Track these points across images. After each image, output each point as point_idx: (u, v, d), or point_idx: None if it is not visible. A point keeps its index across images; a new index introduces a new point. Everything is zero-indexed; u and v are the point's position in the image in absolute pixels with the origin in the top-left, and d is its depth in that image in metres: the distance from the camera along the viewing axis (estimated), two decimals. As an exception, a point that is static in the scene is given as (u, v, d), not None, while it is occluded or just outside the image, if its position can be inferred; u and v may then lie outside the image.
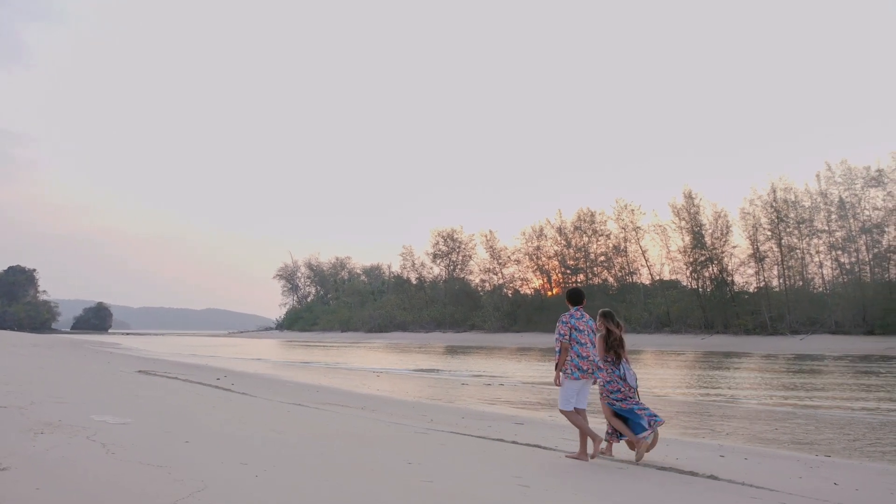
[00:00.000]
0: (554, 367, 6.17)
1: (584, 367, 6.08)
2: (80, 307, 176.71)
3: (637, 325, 63.11)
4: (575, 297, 6.40)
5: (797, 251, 61.52)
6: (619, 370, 6.61)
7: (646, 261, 74.75)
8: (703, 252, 66.26)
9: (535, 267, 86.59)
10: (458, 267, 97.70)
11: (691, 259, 67.52)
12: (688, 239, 68.16)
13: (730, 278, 65.58)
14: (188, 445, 4.39)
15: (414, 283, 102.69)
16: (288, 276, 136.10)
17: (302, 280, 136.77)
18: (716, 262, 65.97)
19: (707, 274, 66.81)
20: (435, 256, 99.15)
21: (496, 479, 4.49)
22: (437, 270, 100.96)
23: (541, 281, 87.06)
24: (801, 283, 61.40)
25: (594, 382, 6.34)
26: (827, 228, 60.18)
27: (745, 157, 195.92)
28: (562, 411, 6.15)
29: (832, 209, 59.58)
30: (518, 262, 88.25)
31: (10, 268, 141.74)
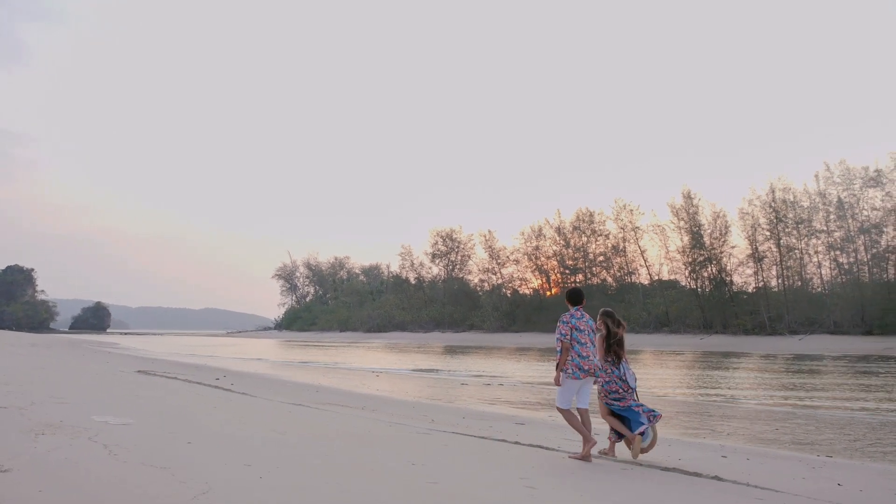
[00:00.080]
0: (555, 367, 6.16)
1: (586, 367, 6.09)
2: (79, 307, 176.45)
3: (636, 325, 63.15)
4: (575, 297, 6.40)
5: (796, 251, 61.62)
6: (619, 370, 6.61)
7: (644, 261, 74.90)
8: (702, 252, 66.34)
9: (534, 267, 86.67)
10: (457, 267, 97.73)
11: (690, 259, 67.60)
12: (686, 239, 68.26)
13: (728, 278, 65.68)
14: (190, 446, 4.37)
15: (413, 282, 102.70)
16: (287, 276, 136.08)
17: (301, 280, 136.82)
18: (714, 262, 66.06)
19: (706, 274, 66.90)
20: (434, 256, 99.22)
21: (501, 480, 4.48)
22: (435, 270, 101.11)
23: (539, 281, 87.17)
24: (799, 283, 61.49)
25: (595, 382, 6.36)
26: (825, 228, 60.29)
27: (745, 157, 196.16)
28: (558, 408, 6.19)
29: (831, 209, 59.69)
30: (517, 262, 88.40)
31: (8, 267, 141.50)
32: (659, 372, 25.04)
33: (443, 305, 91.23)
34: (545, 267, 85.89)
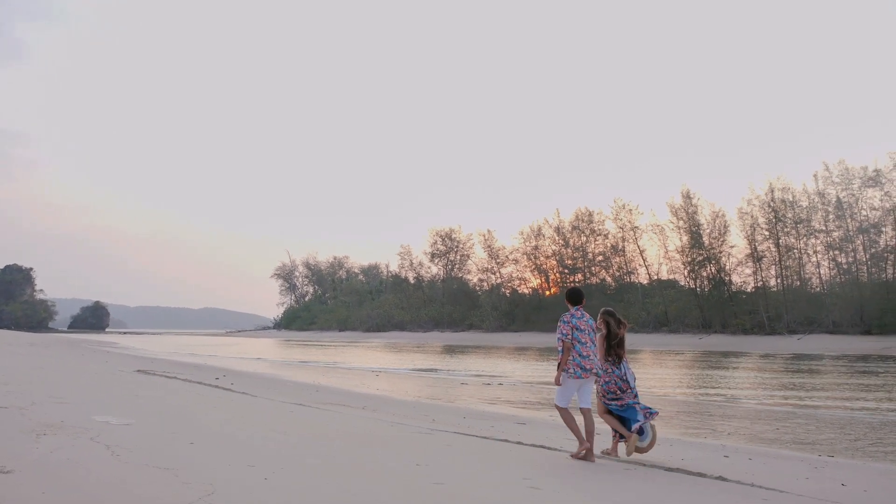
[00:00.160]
0: (557, 367, 6.16)
1: (587, 367, 6.09)
2: (77, 306, 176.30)
3: (635, 324, 63.13)
4: (575, 296, 6.40)
5: (795, 251, 61.68)
6: (620, 369, 6.62)
7: (644, 260, 74.94)
8: (701, 252, 66.39)
9: (533, 266, 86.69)
10: (456, 266, 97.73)
11: (689, 259, 67.64)
12: (686, 239, 68.31)
13: (727, 278, 65.74)
14: (193, 447, 4.35)
15: (412, 282, 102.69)
16: (286, 276, 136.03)
17: (300, 279, 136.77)
18: (713, 261, 66.11)
19: (705, 274, 66.95)
20: (433, 256, 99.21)
21: (506, 480, 4.46)
22: (435, 270, 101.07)
23: (539, 280, 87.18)
24: (798, 282, 61.55)
25: (595, 382, 6.36)
26: (824, 228, 60.36)
27: (745, 157, 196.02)
28: (556, 406, 6.21)
29: (830, 209, 59.75)
30: (516, 261, 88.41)
31: (6, 266, 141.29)
32: (658, 371, 25.04)
33: (442, 305, 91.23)
34: (544, 266, 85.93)
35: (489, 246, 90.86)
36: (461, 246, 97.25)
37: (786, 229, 61.56)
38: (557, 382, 6.12)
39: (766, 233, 62.49)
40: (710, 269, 66.50)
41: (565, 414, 6.13)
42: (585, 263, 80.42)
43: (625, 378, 6.64)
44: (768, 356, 37.36)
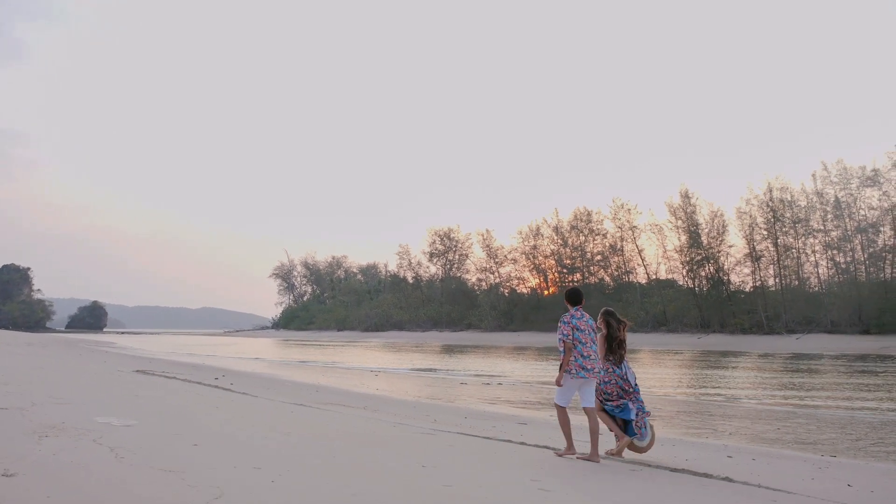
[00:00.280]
0: (559, 368, 6.15)
1: (588, 367, 6.10)
2: (76, 306, 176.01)
3: (633, 324, 63.18)
4: (574, 297, 6.40)
5: (793, 251, 61.77)
6: (621, 369, 6.63)
7: (642, 260, 75.00)
8: (700, 251, 66.45)
9: (532, 266, 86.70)
10: (455, 266, 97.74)
11: (688, 258, 67.70)
12: (684, 238, 68.37)
13: (726, 277, 65.80)
14: (197, 448, 4.32)
15: (410, 282, 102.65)
16: (284, 275, 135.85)
17: (298, 279, 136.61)
18: (712, 261, 66.17)
19: (703, 273, 67.01)
20: (431, 255, 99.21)
21: (514, 482, 4.44)
22: (433, 269, 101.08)
23: (537, 280, 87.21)
24: (796, 282, 61.64)
25: (598, 381, 6.37)
26: (823, 228, 60.45)
27: (744, 157, 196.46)
28: (556, 405, 6.22)
29: (828, 209, 59.84)
30: (515, 261, 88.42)
31: (4, 266, 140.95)
32: (658, 371, 25.05)
33: (440, 304, 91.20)
34: (543, 266, 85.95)
35: (488, 245, 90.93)
36: (460, 245, 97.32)
37: (784, 229, 61.65)
38: (559, 383, 6.12)
39: (765, 232, 62.59)
40: (709, 269, 66.57)
41: (562, 414, 6.15)
42: (584, 263, 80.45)
43: (625, 377, 6.65)
44: (767, 356, 37.39)
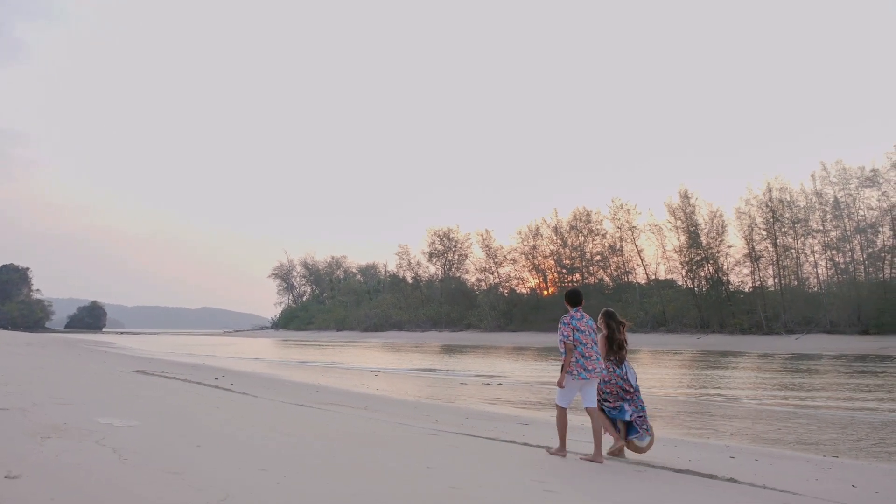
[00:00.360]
0: (560, 369, 6.15)
1: (590, 367, 6.10)
2: (75, 306, 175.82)
3: (633, 324, 63.18)
4: (574, 298, 6.41)
5: (792, 251, 61.82)
6: (622, 369, 6.64)
7: (641, 260, 75.04)
8: (699, 251, 66.49)
9: (531, 266, 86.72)
10: (454, 266, 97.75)
11: (687, 258, 67.74)
12: (683, 238, 68.41)
13: (725, 278, 65.85)
14: (201, 450, 4.29)
15: (410, 282, 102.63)
16: (283, 276, 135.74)
17: (297, 279, 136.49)
18: (711, 261, 66.21)
19: (703, 273, 67.05)
20: (431, 255, 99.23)
21: (519, 483, 4.43)
22: (433, 269, 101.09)
23: (537, 280, 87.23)
24: (796, 282, 61.70)
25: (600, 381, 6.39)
26: (822, 228, 60.51)
27: (744, 157, 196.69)
28: (557, 406, 6.23)
29: (827, 209, 59.89)
30: (514, 261, 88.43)
31: (3, 266, 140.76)
32: (657, 371, 25.05)
33: (440, 305, 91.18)
34: (542, 266, 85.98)
35: (487, 246, 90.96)
36: (459, 245, 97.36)
37: (783, 229, 61.70)
38: (561, 385, 6.12)
39: (764, 233, 62.64)
40: (708, 269, 66.61)
41: (562, 415, 6.16)
42: (583, 263, 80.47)
43: (626, 378, 6.66)
44: (767, 356, 37.40)
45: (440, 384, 19.61)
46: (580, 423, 8.87)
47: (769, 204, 61.53)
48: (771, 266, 63.13)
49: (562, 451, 6.20)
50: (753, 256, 63.30)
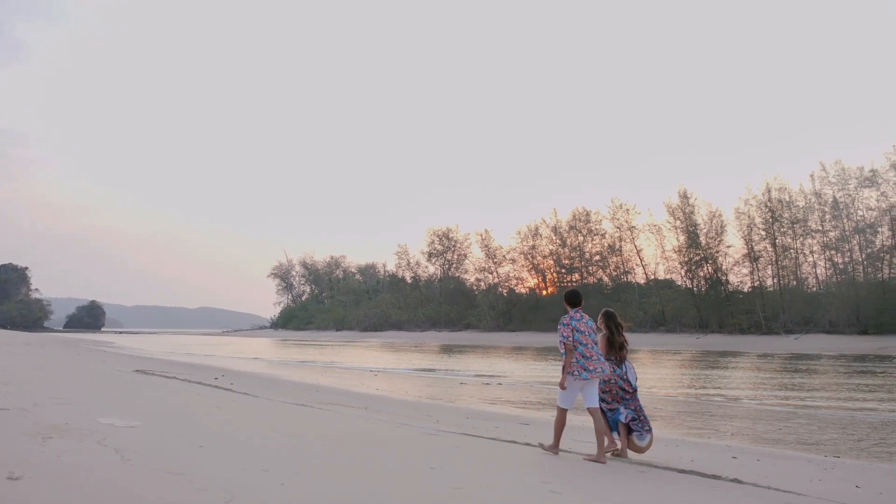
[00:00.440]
0: (561, 370, 6.15)
1: (591, 367, 6.10)
2: (74, 306, 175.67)
3: (632, 324, 63.29)
4: (573, 298, 6.41)
5: (791, 251, 61.90)
6: (622, 369, 6.65)
7: (640, 260, 75.11)
8: (698, 251, 66.57)
9: (531, 266, 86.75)
10: (454, 266, 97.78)
11: (686, 258, 67.81)
12: (682, 238, 68.49)
13: (724, 278, 65.94)
14: (203, 450, 4.27)
15: (409, 281, 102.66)
16: (282, 275, 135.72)
17: (296, 279, 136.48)
18: (710, 261, 66.30)
19: (702, 273, 67.13)
20: (430, 255, 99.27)
21: (523, 484, 4.41)
22: (432, 269, 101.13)
23: (536, 280, 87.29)
24: (795, 282, 61.79)
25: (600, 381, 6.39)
26: (821, 228, 60.59)
27: (744, 158, 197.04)
28: (558, 407, 6.23)
29: (826, 209, 59.96)
30: (513, 261, 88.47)
31: (2, 266, 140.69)
32: (657, 371, 25.06)
33: (439, 304, 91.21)
34: (541, 266, 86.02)
35: (486, 245, 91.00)
36: (458, 245, 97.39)
37: (782, 229, 61.79)
38: (563, 387, 6.11)
39: (763, 233, 62.73)
40: (707, 269, 66.68)
41: (561, 416, 6.17)
42: (582, 263, 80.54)
43: (626, 378, 6.66)
44: (766, 356, 37.43)
45: (440, 384, 19.60)
46: (580, 423, 8.86)
47: (768, 204, 61.62)
48: (770, 266, 63.23)
49: (555, 448, 6.21)
50: (752, 256, 63.38)
